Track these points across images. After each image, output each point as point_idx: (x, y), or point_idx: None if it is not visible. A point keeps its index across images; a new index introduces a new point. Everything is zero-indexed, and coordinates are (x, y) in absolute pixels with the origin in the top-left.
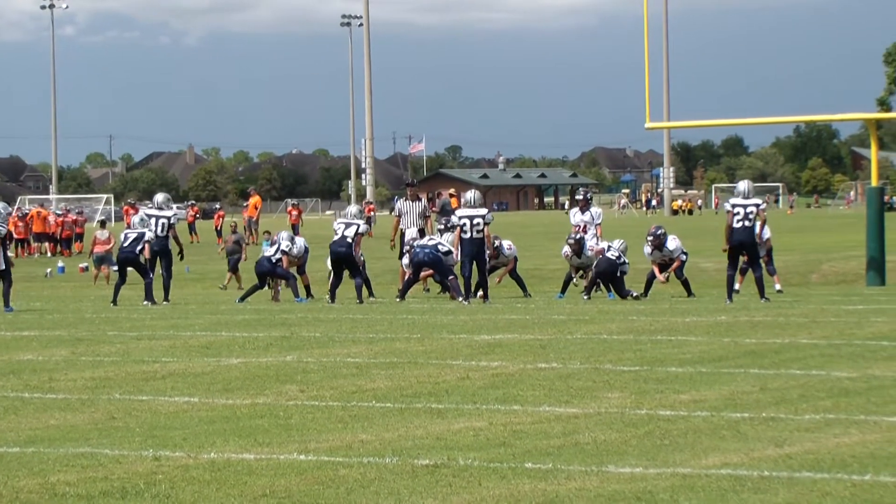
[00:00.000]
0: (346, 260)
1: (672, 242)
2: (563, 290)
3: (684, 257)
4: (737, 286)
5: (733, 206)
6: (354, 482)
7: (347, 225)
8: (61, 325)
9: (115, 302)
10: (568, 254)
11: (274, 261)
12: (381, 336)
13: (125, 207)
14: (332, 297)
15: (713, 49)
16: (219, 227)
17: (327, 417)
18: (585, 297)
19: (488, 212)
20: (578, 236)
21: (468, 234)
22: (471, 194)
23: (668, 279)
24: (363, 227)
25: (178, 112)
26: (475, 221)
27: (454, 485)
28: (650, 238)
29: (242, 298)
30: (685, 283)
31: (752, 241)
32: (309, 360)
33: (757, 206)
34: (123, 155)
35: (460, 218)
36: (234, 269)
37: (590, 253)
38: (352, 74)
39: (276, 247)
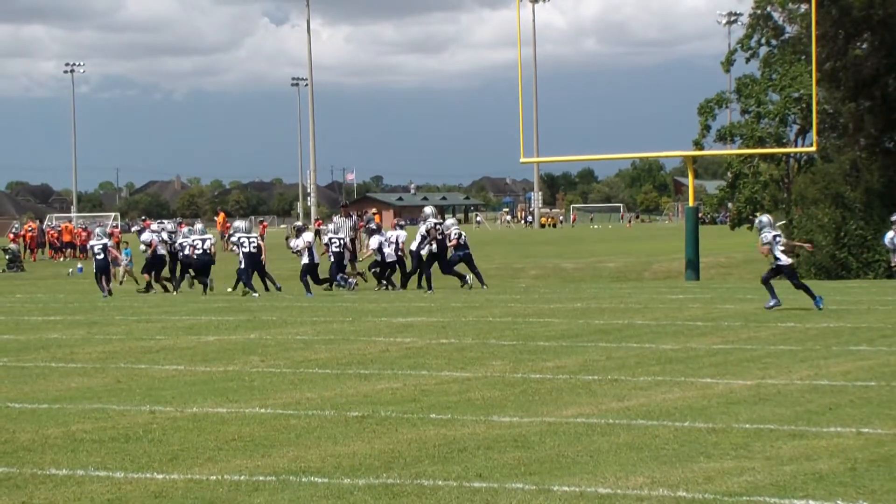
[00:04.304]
0: (256, 266)
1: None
2: (430, 285)
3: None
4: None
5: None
6: (302, 429)
7: (244, 240)
8: (80, 311)
9: (172, 290)
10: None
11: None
12: (321, 319)
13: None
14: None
15: (573, 100)
16: None
17: (281, 381)
18: (430, 292)
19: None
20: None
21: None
22: (428, 210)
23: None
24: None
25: (168, 150)
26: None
27: (377, 431)
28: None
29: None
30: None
31: None
32: (267, 337)
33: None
34: (127, 183)
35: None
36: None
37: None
38: (300, 121)
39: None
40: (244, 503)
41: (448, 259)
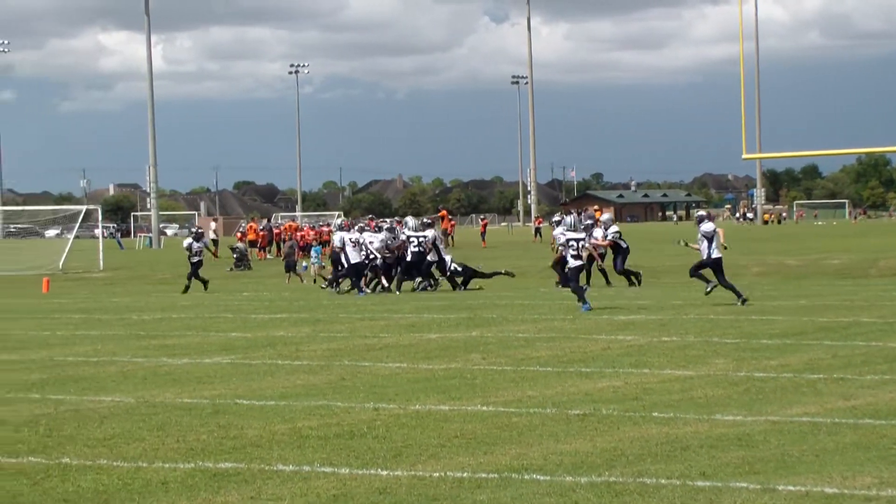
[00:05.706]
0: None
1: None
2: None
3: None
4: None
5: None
6: (524, 427)
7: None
8: (305, 309)
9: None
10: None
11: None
12: (542, 317)
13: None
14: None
15: (796, 95)
16: None
17: (502, 378)
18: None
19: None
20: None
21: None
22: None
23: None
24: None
25: (390, 149)
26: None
27: (598, 429)
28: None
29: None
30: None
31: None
32: (488, 335)
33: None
34: (350, 182)
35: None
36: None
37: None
38: (519, 119)
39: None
40: (467, 500)
41: (621, 259)
